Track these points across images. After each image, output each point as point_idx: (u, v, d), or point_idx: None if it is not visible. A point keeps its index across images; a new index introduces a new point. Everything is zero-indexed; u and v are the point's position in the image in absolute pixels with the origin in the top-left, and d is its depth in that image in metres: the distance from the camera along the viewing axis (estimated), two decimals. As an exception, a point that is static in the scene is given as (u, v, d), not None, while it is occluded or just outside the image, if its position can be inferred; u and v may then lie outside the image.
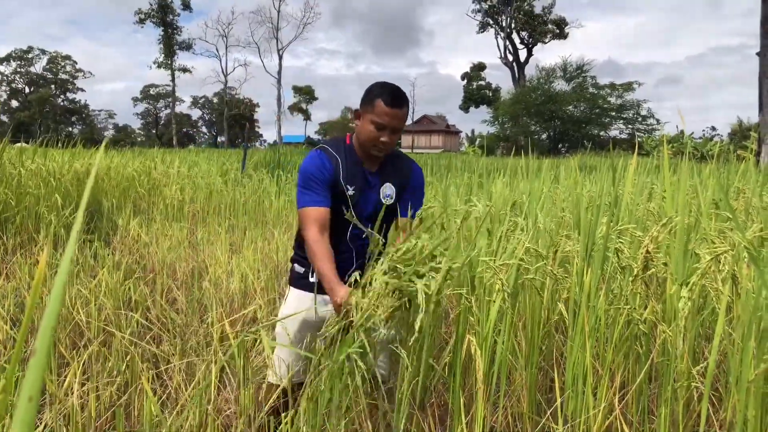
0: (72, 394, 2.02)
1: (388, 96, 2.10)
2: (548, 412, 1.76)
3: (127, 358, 2.43)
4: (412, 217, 2.21)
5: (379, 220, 1.95)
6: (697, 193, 2.60)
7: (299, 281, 2.32)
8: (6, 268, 4.42)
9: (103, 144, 0.87)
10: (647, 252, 1.54)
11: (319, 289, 2.15)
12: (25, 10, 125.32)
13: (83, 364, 2.57)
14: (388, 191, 2.26)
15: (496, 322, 1.67)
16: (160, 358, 2.78)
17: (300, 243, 2.30)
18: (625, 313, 1.65)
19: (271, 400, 2.05)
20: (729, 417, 1.57)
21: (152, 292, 4.07)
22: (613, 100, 50.58)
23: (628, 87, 50.15)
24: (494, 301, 1.67)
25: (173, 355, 2.70)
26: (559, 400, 1.67)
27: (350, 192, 2.17)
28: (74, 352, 2.84)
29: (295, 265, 2.35)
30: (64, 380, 2.22)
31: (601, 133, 50.27)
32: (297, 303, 2.27)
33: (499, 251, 1.84)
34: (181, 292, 4.05)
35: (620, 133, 50.27)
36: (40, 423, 2.04)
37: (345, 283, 1.99)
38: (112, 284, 3.61)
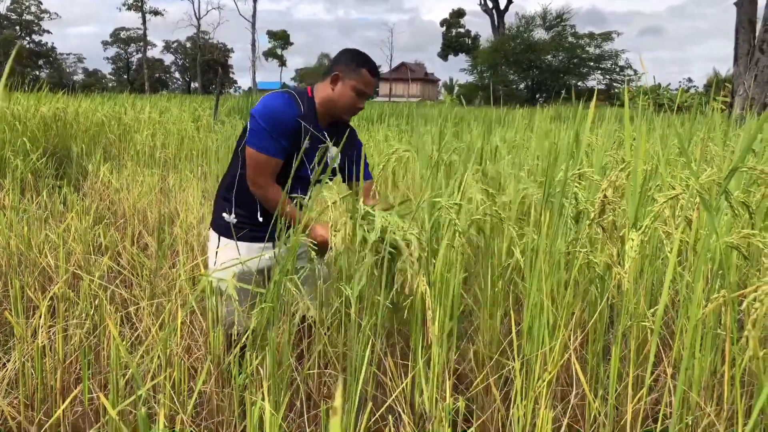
0: (38, 337, 2.03)
1: (371, 65, 2.21)
2: (504, 349, 1.83)
3: (96, 302, 2.44)
4: (368, 178, 2.40)
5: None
6: (665, 143, 2.64)
7: (233, 230, 2.28)
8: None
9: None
10: (604, 197, 1.58)
11: (261, 237, 2.21)
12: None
13: (51, 308, 2.58)
14: (332, 153, 2.30)
15: (450, 262, 1.71)
16: (129, 302, 2.80)
17: (241, 187, 2.26)
18: (581, 257, 1.70)
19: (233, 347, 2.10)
20: (677, 356, 1.64)
21: (123, 238, 4.06)
22: (591, 50, 50.37)
23: (607, 37, 49.92)
24: (443, 237, 1.71)
25: (142, 298, 2.72)
26: (514, 332, 1.73)
27: (306, 145, 2.17)
28: (42, 295, 2.84)
29: (228, 215, 2.30)
30: (37, 323, 2.23)
31: (579, 83, 50.22)
32: (232, 255, 2.26)
33: (459, 196, 1.86)
34: (152, 237, 4.05)
35: (598, 84, 50.29)
36: (8, 364, 2.05)
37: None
38: (82, 229, 3.59)
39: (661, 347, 2.03)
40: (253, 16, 56.05)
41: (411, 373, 1.76)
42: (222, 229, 2.34)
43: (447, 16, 66.57)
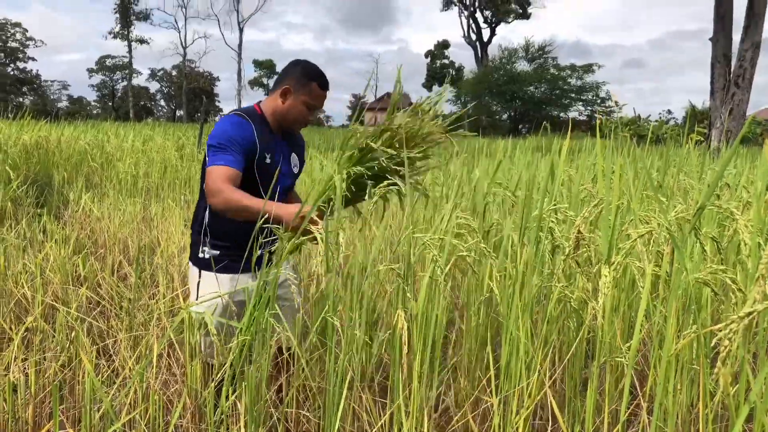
0: (10, 371, 2.00)
1: (322, 79, 2.25)
2: (482, 384, 1.83)
3: (72, 335, 2.41)
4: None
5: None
6: (639, 175, 2.69)
7: (213, 264, 2.25)
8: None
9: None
10: (578, 232, 1.60)
11: (241, 268, 2.18)
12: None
13: (25, 340, 2.55)
14: (294, 160, 2.39)
15: (430, 297, 1.71)
16: (107, 334, 2.77)
17: (213, 217, 2.25)
18: (557, 291, 1.72)
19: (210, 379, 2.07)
20: (651, 391, 1.66)
21: (103, 268, 4.02)
22: (573, 81, 51.25)
23: (588, 69, 50.86)
24: (425, 274, 1.72)
25: (120, 330, 2.69)
26: (492, 371, 1.73)
27: (268, 160, 2.20)
28: (18, 326, 2.80)
29: (209, 249, 2.28)
30: (10, 356, 2.20)
31: (561, 114, 50.96)
32: (214, 289, 2.24)
33: (439, 229, 1.88)
34: (133, 267, 4.01)
35: (579, 115, 51.06)
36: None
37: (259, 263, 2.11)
38: (60, 259, 3.56)
39: (637, 381, 2.04)
40: (239, 45, 56.47)
41: (390, 409, 1.75)
42: (202, 263, 2.30)
43: (432, 47, 67.51)
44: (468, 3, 58.67)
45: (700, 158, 4.26)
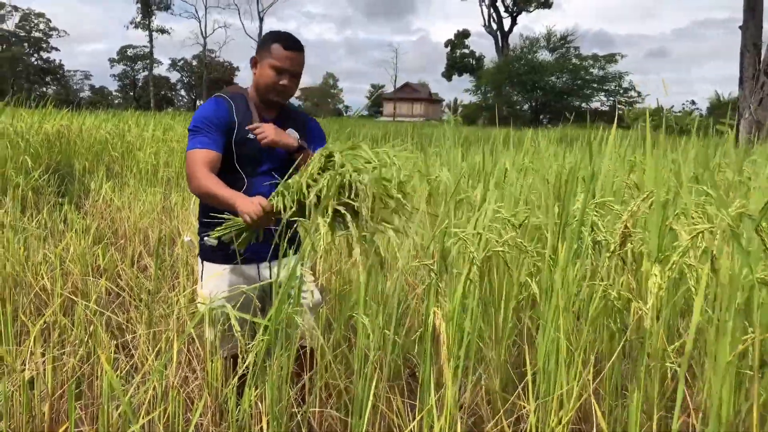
0: (26, 366, 1.94)
1: (285, 40, 2.17)
2: (518, 389, 1.73)
3: (91, 328, 2.35)
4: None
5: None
6: (679, 168, 2.55)
7: (213, 253, 2.23)
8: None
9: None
10: (625, 227, 1.49)
11: (243, 258, 2.15)
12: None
13: (44, 333, 2.49)
14: (294, 133, 2.25)
15: (464, 295, 1.61)
16: (126, 328, 2.71)
17: (205, 208, 2.22)
18: (600, 290, 1.61)
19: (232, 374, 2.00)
20: (704, 398, 1.54)
21: (123, 258, 3.97)
22: (595, 71, 50.53)
23: (611, 59, 50.10)
24: (461, 273, 1.62)
25: (140, 323, 2.63)
26: (529, 375, 1.63)
27: (251, 136, 2.15)
28: (37, 318, 2.75)
29: (206, 237, 2.22)
30: (27, 350, 2.14)
31: (583, 104, 50.30)
32: (219, 280, 2.21)
33: (471, 223, 1.78)
34: (153, 258, 3.96)
35: (601, 105, 50.39)
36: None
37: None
38: (80, 249, 3.51)
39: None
40: (259, 35, 56.43)
41: (420, 412, 1.66)
42: (204, 253, 2.28)
43: (452, 36, 66.97)
44: (488, -9, 58.04)
45: (733, 150, 4.10)
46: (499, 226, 1.68)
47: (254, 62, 2.24)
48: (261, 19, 56.74)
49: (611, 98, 50.02)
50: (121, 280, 3.61)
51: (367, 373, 1.67)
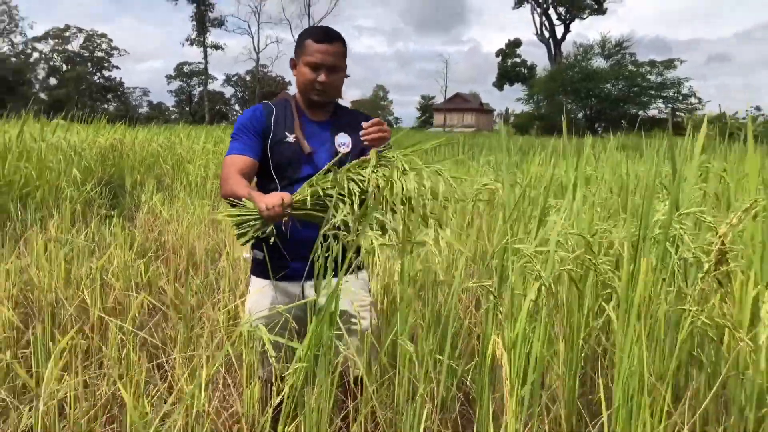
0: (53, 389, 1.83)
1: (316, 34, 2.02)
2: (589, 428, 1.50)
3: (124, 351, 2.23)
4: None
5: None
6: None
7: (258, 268, 2.10)
8: (19, 245, 4.29)
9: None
10: (722, 243, 1.25)
11: (281, 274, 2.02)
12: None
13: (76, 353, 2.39)
14: (342, 139, 2.10)
15: (529, 320, 1.40)
16: (163, 351, 2.58)
17: None
18: (689, 315, 1.37)
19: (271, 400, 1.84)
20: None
21: (167, 272, 3.89)
22: (653, 77, 49.04)
23: (669, 64, 48.54)
24: (526, 295, 1.40)
25: (177, 342, 2.50)
26: (605, 415, 1.40)
27: (289, 139, 2.03)
28: (76, 335, 2.67)
29: (255, 250, 2.12)
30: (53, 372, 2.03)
31: (640, 112, 48.84)
32: (260, 296, 2.09)
33: (534, 237, 1.56)
34: (198, 272, 3.87)
35: (659, 113, 48.81)
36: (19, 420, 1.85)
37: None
38: (123, 263, 3.44)
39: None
40: (311, 49, 57.07)
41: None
42: (252, 266, 2.17)
43: (503, 46, 66.25)
44: (541, 0, 57.29)
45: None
46: (569, 242, 1.46)
47: (293, 64, 2.11)
48: (312, 34, 57.38)
49: (670, 105, 48.42)
50: (166, 294, 3.52)
51: (416, 407, 1.48)
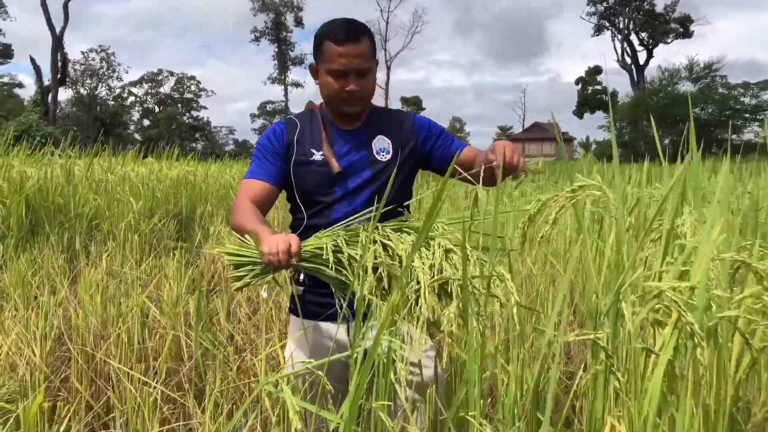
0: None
1: (336, 33, 1.62)
2: None
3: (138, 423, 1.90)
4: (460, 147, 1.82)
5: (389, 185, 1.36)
6: None
7: (300, 305, 1.72)
8: (80, 275, 4.14)
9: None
10: None
11: (311, 313, 1.71)
12: (164, 40, 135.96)
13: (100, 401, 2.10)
14: (381, 144, 1.74)
15: (666, 390, 0.94)
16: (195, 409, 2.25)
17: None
18: None
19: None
20: None
21: (220, 308, 3.62)
22: (747, 100, 46.23)
23: (765, 86, 45.69)
24: (659, 353, 0.94)
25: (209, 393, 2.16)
26: None
27: (316, 156, 1.69)
28: (110, 384, 2.38)
29: (294, 284, 1.75)
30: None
31: (734, 136, 46.08)
32: (298, 341, 1.75)
33: (661, 265, 1.10)
34: (248, 308, 3.56)
35: (755, 137, 45.84)
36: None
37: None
38: (173, 298, 3.17)
39: None
40: (386, 83, 57.84)
41: None
42: (291, 303, 1.82)
43: (583, 74, 64.62)
44: (622, 26, 55.70)
45: None
46: (713, 274, 1.00)
47: (313, 71, 1.76)
48: (388, 68, 58.17)
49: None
50: (219, 329, 3.23)
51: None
